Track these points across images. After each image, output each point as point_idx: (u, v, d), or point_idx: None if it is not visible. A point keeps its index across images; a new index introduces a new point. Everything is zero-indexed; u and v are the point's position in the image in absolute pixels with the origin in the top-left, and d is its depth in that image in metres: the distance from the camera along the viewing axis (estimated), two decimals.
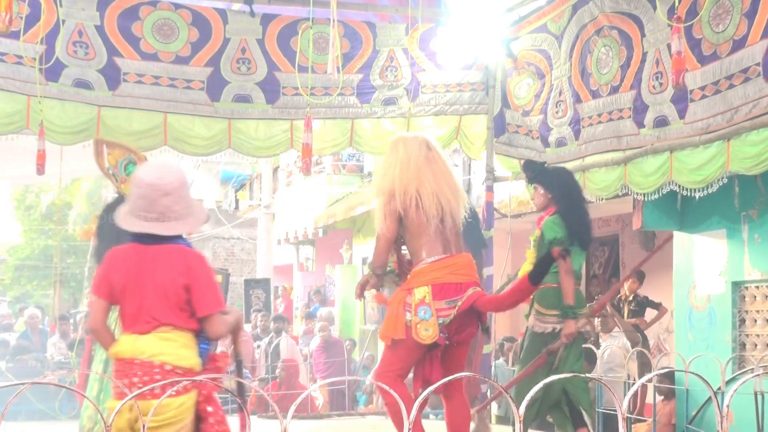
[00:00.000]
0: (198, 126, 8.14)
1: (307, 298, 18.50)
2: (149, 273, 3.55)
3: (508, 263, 8.68)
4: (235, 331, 3.79)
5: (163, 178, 3.56)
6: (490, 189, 8.63)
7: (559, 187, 5.67)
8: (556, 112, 7.94)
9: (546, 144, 8.15)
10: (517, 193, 9.81)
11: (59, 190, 18.19)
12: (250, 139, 8.32)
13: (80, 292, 31.42)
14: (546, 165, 6.03)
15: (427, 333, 4.57)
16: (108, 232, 5.59)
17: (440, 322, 4.59)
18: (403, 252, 5.03)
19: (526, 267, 5.59)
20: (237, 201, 27.08)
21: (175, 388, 3.25)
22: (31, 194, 40.14)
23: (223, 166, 26.21)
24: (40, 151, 7.26)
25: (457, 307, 4.61)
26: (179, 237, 3.64)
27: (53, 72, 7.51)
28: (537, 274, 4.52)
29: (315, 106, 8.12)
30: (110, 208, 5.88)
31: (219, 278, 16.73)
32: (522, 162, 6.07)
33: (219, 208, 27.28)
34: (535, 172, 5.76)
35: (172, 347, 3.48)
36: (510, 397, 3.08)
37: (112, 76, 7.77)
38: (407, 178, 4.83)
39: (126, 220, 3.61)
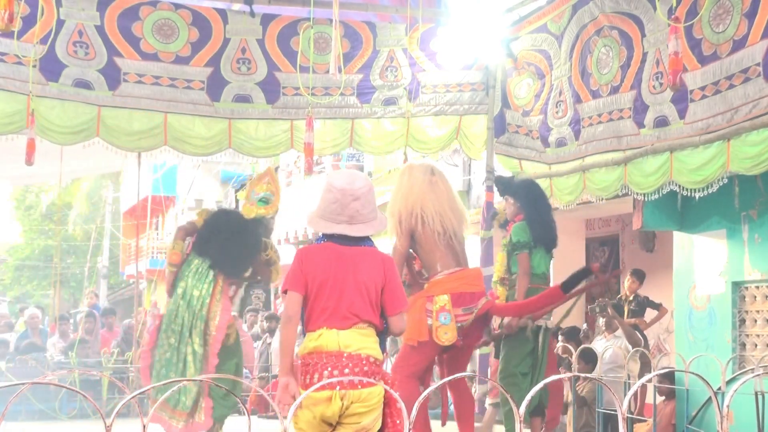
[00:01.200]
0: (198, 126, 8.14)
1: None
2: (351, 272, 3.75)
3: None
4: None
5: (353, 184, 3.81)
6: (489, 189, 8.62)
7: (525, 197, 6.30)
8: (557, 112, 7.93)
9: (546, 144, 8.14)
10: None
11: (59, 191, 18.17)
12: (250, 139, 8.33)
13: (80, 293, 31.43)
14: (514, 178, 6.69)
15: (447, 336, 5.31)
16: (212, 243, 6.19)
17: (458, 326, 5.31)
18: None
19: (498, 269, 6.24)
20: (237, 201, 27.06)
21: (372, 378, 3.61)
22: (31, 194, 40.15)
23: (223, 166, 26.19)
24: (30, 140, 7.20)
25: (474, 314, 5.35)
26: (368, 239, 3.90)
27: (53, 72, 7.52)
28: (570, 284, 5.15)
29: (316, 106, 8.12)
30: (213, 221, 6.42)
31: None
32: (495, 179, 6.75)
33: (219, 208, 27.26)
34: (504, 185, 6.44)
35: (371, 342, 3.75)
36: (511, 398, 3.08)
37: (113, 76, 7.77)
38: (412, 201, 5.61)
39: (317, 222, 3.85)
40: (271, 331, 12.04)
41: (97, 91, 7.71)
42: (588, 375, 5.55)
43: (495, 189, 6.66)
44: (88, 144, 7.87)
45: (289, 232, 19.59)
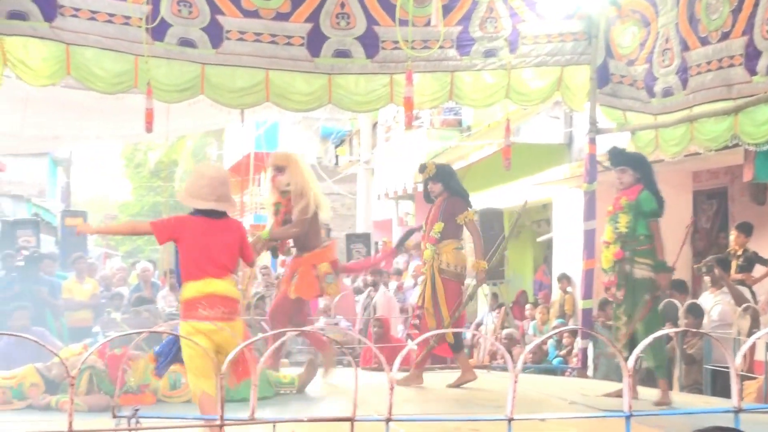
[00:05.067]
0: (299, 82, 8.22)
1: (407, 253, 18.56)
2: (220, 236, 4.87)
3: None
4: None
5: (219, 172, 5.18)
6: (593, 141, 8.47)
7: (646, 170, 6.66)
8: (663, 61, 7.71)
9: (651, 94, 7.94)
10: (620, 145, 9.59)
11: (166, 148, 18.64)
12: (350, 94, 8.36)
13: None
14: (625, 150, 6.97)
15: (333, 291, 7.38)
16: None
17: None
18: None
19: (621, 227, 6.48)
20: (337, 157, 27.32)
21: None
22: (139, 152, 41.43)
23: (322, 122, 26.45)
24: (149, 110, 7.46)
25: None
26: (225, 213, 4.96)
27: (159, 31, 7.67)
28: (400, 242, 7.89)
29: (415, 60, 8.08)
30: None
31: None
32: (610, 150, 6.85)
33: (319, 164, 27.60)
34: (622, 156, 6.76)
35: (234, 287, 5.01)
36: (619, 351, 3.04)
37: (215, 34, 7.89)
38: (315, 190, 7.18)
39: (190, 200, 4.88)
40: (375, 285, 12.16)
41: (201, 49, 7.84)
42: (699, 330, 5.44)
43: (609, 157, 6.81)
44: (193, 102, 8.04)
45: (389, 187, 19.69)
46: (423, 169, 7.49)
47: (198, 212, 4.86)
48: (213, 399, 4.59)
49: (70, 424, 2.66)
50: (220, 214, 4.89)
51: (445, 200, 7.31)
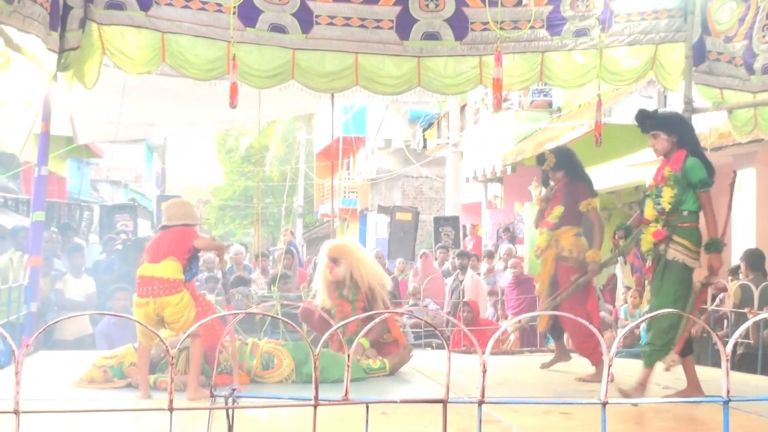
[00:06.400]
0: (388, 65, 8.23)
1: (496, 236, 18.50)
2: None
3: None
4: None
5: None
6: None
7: (684, 130, 5.80)
8: (763, 36, 7.46)
9: (750, 71, 7.69)
10: (717, 125, 9.34)
11: (257, 134, 18.94)
12: (439, 77, 8.33)
13: (277, 231, 32.92)
14: (657, 111, 6.03)
15: None
16: None
17: None
18: None
19: (664, 203, 5.66)
20: (425, 140, 27.31)
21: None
22: (230, 138, 42.24)
23: (411, 106, 26.46)
24: (233, 84, 7.50)
25: None
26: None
27: (250, 18, 7.78)
28: None
29: (505, 41, 8.00)
30: None
31: (408, 216, 17.08)
32: (637, 113, 6.05)
33: (407, 147, 27.65)
34: (655, 119, 5.83)
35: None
36: (716, 335, 2.97)
37: (305, 19, 7.95)
38: None
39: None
40: (463, 268, 12.15)
41: (291, 34, 7.92)
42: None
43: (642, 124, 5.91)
44: (283, 87, 8.14)
45: (477, 170, 19.59)
46: (542, 161, 7.20)
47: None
48: (145, 349, 5.90)
49: (170, 402, 2.73)
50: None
51: (566, 185, 7.00)
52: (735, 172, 6.33)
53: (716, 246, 5.60)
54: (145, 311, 5.76)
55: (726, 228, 5.93)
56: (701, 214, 5.67)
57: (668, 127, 5.76)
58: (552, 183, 7.13)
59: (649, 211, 5.74)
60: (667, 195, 5.63)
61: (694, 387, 5.60)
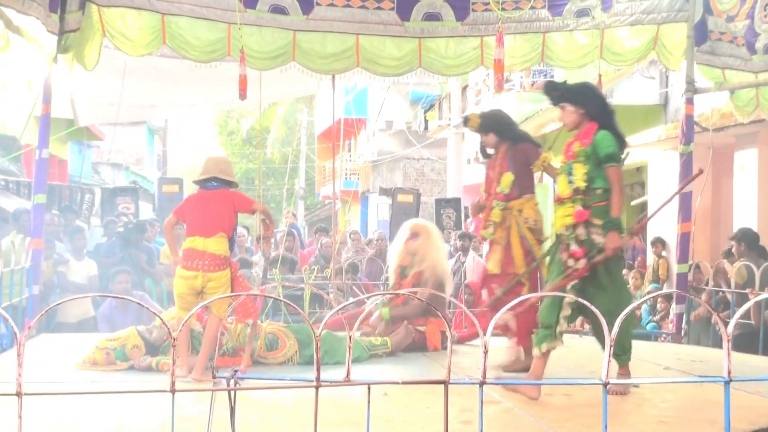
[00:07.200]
0: (389, 46, 8.22)
1: None
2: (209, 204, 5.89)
3: (709, 179, 8.30)
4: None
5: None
6: (690, 101, 8.22)
7: (593, 102, 5.35)
8: (765, 16, 7.42)
9: (752, 51, 7.67)
10: (719, 105, 9.31)
11: (258, 116, 18.92)
12: (440, 58, 8.32)
13: (279, 213, 32.93)
14: (565, 82, 5.57)
15: None
16: None
17: None
18: None
19: (563, 187, 5.22)
20: (426, 121, 27.26)
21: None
22: (232, 120, 42.17)
23: (412, 87, 26.38)
24: (242, 76, 7.56)
25: None
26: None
27: None
28: None
29: (506, 21, 7.97)
30: None
31: (410, 198, 17.08)
32: (544, 85, 5.64)
33: (409, 129, 27.59)
34: (561, 90, 5.43)
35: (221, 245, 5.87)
36: (718, 316, 2.97)
37: (306, 0, 7.94)
38: None
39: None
40: (464, 250, 12.14)
41: (292, 15, 7.91)
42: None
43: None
44: (284, 68, 8.13)
45: (479, 151, 19.56)
46: (466, 122, 6.56)
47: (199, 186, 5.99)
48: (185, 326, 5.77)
49: (173, 383, 2.74)
50: (215, 187, 5.93)
51: (508, 149, 6.26)
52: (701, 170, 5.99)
53: (615, 225, 5.06)
54: (192, 284, 5.74)
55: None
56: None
57: (575, 99, 5.32)
58: (489, 151, 6.49)
59: (562, 189, 5.24)
60: (580, 172, 5.15)
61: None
